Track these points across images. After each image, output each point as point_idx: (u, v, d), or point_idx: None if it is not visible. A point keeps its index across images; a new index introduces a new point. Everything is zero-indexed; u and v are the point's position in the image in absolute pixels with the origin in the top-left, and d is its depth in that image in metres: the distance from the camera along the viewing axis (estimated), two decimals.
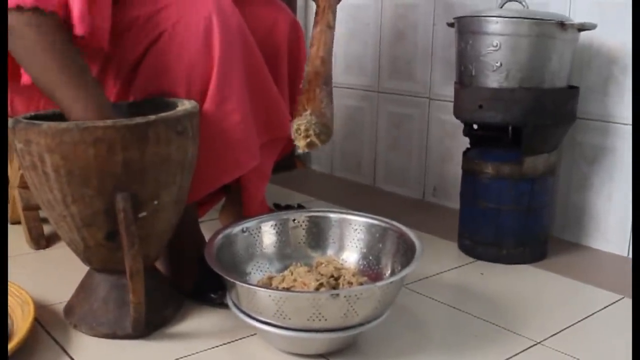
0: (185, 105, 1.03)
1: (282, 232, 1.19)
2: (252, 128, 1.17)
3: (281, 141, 1.33)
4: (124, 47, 1.10)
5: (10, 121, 0.95)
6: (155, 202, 0.99)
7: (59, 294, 1.14)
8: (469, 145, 1.47)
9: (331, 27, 1.21)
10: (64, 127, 0.90)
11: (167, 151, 0.97)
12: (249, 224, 1.17)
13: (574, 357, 1.00)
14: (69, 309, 1.09)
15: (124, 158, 0.92)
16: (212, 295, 1.13)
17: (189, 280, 1.16)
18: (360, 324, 0.95)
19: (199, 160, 1.09)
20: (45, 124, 0.91)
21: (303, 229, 1.20)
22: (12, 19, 0.91)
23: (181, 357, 0.98)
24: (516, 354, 1.01)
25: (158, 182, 0.98)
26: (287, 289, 1.03)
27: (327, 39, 1.18)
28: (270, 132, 1.27)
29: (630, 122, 1.40)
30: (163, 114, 0.97)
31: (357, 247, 1.17)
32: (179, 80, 1.08)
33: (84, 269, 1.09)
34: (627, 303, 1.20)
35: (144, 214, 0.98)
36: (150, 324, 1.04)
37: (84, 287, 1.08)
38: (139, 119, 0.93)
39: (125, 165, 0.93)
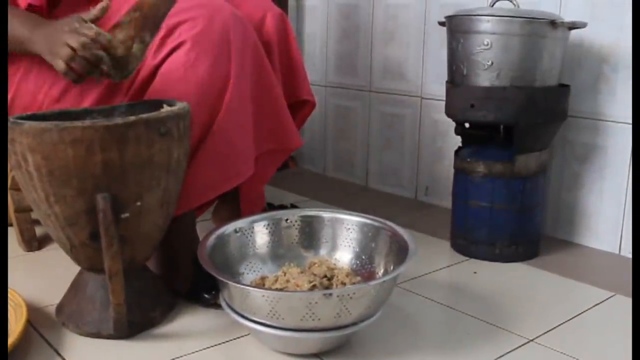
0: (173, 106, 1.03)
1: (275, 232, 1.19)
2: (252, 139, 1.20)
3: (286, 152, 1.37)
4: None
5: None
6: (138, 204, 0.98)
7: (52, 296, 1.14)
8: (460, 144, 1.47)
9: None
10: (43, 127, 0.90)
11: (148, 153, 0.96)
12: (242, 224, 1.16)
13: (567, 355, 1.01)
14: (60, 307, 1.09)
15: (103, 159, 0.92)
16: (206, 296, 1.13)
17: (183, 281, 1.16)
18: (354, 323, 0.95)
19: (201, 167, 1.12)
20: (27, 124, 0.91)
21: (296, 228, 1.20)
22: None
23: (174, 358, 0.98)
24: (509, 352, 1.01)
25: (140, 183, 0.97)
26: (281, 289, 1.03)
27: None
28: (276, 142, 1.31)
29: (621, 120, 1.41)
30: (144, 115, 0.96)
31: (350, 246, 1.17)
32: (192, 90, 1.10)
33: (76, 270, 1.09)
34: (619, 300, 1.21)
35: (126, 215, 0.97)
36: (135, 324, 1.04)
37: (74, 286, 1.08)
38: (118, 120, 0.93)
39: (104, 166, 0.93)
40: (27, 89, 1.15)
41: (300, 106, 1.43)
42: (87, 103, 1.14)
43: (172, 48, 1.10)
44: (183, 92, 1.09)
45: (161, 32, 1.11)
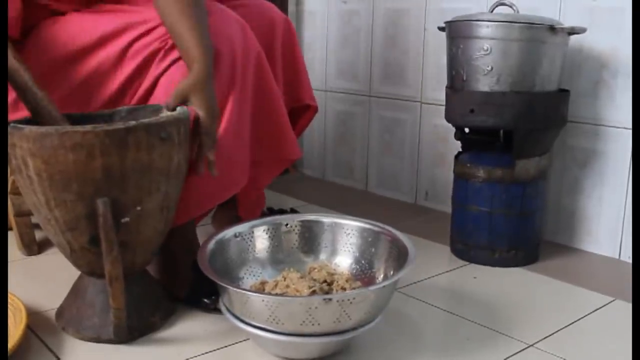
0: (174, 111, 1.03)
1: (275, 237, 1.19)
2: (248, 149, 1.20)
3: (286, 162, 1.37)
4: (146, 69, 1.12)
5: None
6: (138, 208, 0.98)
7: (51, 301, 1.14)
8: (460, 149, 1.48)
9: None
10: (43, 132, 0.91)
11: (149, 157, 0.96)
12: (241, 228, 1.16)
13: None
14: (60, 312, 1.09)
15: (103, 163, 0.92)
16: (206, 301, 1.12)
17: (183, 286, 1.16)
18: (353, 329, 0.95)
19: (201, 178, 1.11)
20: (27, 128, 0.92)
21: (296, 233, 1.20)
22: None
23: None
24: (509, 357, 1.01)
25: (140, 188, 0.97)
26: (280, 295, 1.02)
27: None
28: (275, 153, 1.30)
29: (621, 125, 1.41)
30: (145, 120, 0.96)
31: (349, 251, 1.17)
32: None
33: (76, 275, 1.09)
34: (619, 305, 1.21)
35: (126, 219, 0.97)
36: (135, 329, 1.04)
37: (74, 291, 1.08)
38: (119, 125, 0.93)
39: (105, 171, 0.93)
40: None
41: (302, 111, 1.44)
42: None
43: (175, 59, 1.11)
44: None
45: (168, 44, 1.11)
